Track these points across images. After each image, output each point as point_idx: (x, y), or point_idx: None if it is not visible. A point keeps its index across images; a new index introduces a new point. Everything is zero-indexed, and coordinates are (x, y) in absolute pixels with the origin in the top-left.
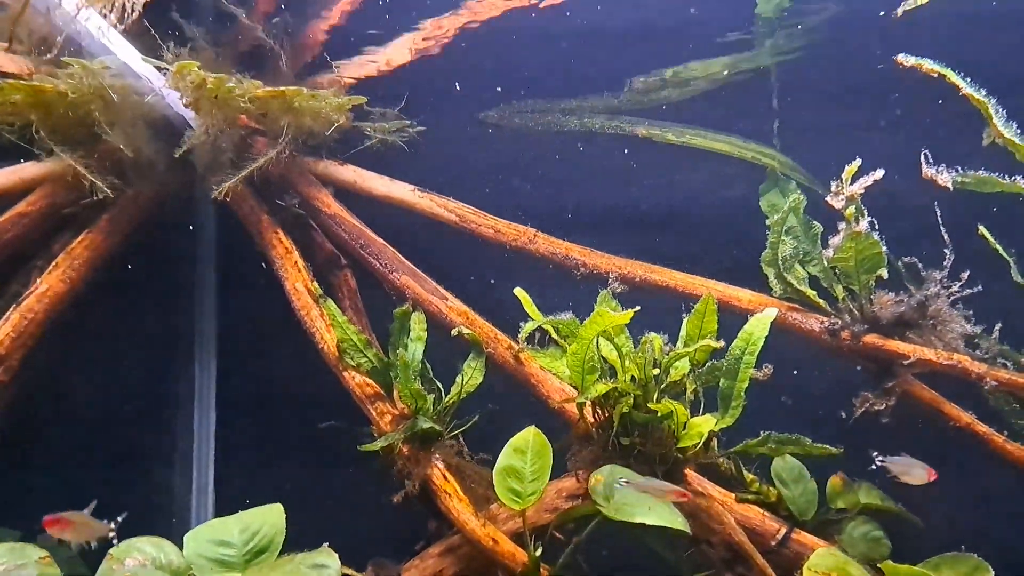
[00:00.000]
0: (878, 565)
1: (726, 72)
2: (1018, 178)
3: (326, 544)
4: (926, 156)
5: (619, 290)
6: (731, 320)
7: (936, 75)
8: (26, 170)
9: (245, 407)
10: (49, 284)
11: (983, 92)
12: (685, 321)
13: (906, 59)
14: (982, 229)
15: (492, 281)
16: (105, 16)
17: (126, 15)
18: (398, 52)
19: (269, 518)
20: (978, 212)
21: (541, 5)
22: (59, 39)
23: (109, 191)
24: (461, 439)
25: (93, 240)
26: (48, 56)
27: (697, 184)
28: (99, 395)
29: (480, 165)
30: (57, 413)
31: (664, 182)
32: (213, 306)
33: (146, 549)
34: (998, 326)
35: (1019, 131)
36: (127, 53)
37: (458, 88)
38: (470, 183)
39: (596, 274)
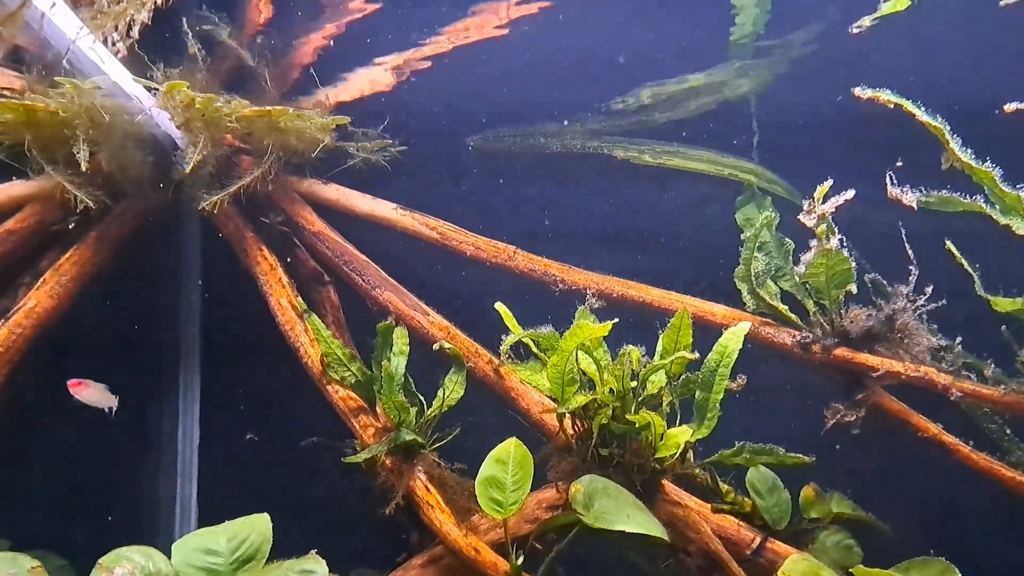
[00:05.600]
0: (850, 570)
1: (703, 83)
2: (978, 197)
3: (314, 551)
4: (891, 177)
5: (597, 306)
6: (706, 334)
7: (893, 105)
8: (15, 188)
9: (229, 421)
10: (37, 300)
11: (940, 119)
12: (662, 336)
13: (863, 91)
14: (949, 244)
15: (472, 297)
16: (108, 38)
17: (131, 34)
18: (381, 75)
19: (256, 527)
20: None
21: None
22: (49, 56)
23: (91, 203)
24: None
25: (81, 256)
26: (40, 75)
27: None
28: (84, 408)
29: (462, 184)
30: (42, 426)
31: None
32: (198, 321)
33: (135, 558)
34: (958, 339)
35: (974, 155)
36: (118, 73)
37: (439, 111)
38: (452, 202)
39: (575, 290)
